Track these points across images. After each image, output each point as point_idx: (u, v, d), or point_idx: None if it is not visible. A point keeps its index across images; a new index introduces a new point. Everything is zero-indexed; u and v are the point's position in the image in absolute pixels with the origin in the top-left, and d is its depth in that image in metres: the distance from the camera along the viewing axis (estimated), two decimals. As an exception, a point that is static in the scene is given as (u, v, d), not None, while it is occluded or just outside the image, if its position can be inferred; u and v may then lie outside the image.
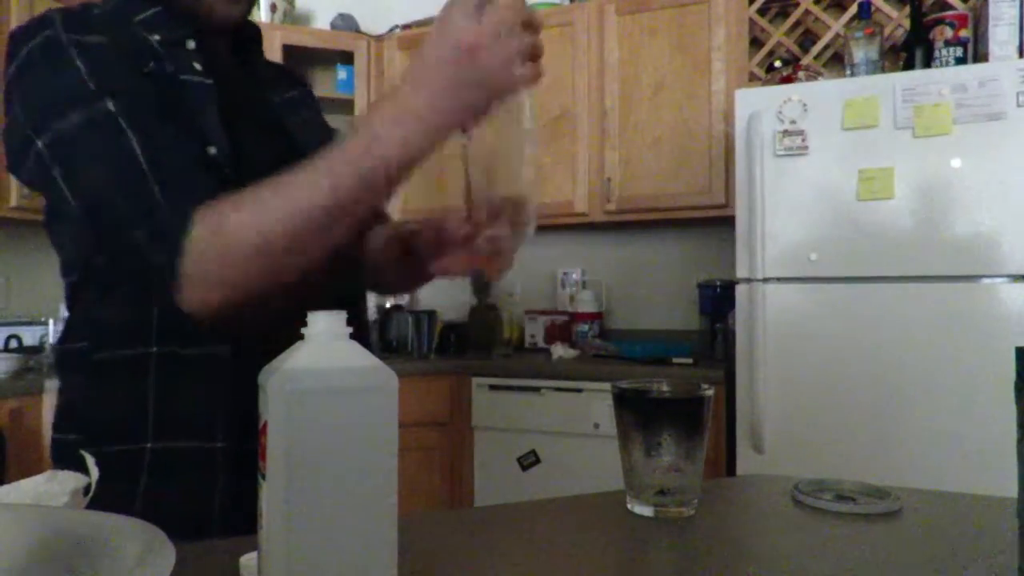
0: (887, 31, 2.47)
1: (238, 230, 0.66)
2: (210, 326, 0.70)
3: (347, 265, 0.99)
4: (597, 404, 2.34)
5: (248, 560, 0.50)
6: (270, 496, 0.42)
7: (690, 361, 2.43)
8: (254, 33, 0.96)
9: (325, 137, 1.01)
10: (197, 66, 0.79)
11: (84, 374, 0.79)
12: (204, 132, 0.76)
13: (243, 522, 0.68)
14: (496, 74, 0.62)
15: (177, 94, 0.76)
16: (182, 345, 0.75)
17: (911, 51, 2.26)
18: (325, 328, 0.45)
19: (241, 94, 0.87)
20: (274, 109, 0.93)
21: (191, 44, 0.80)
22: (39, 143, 0.70)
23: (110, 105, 0.70)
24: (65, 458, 0.77)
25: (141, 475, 0.74)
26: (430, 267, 0.91)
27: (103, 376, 0.77)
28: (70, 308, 0.82)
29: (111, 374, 0.77)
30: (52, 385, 0.88)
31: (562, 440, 2.40)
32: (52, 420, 0.82)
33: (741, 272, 2.11)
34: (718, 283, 2.64)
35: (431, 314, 2.85)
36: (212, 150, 0.75)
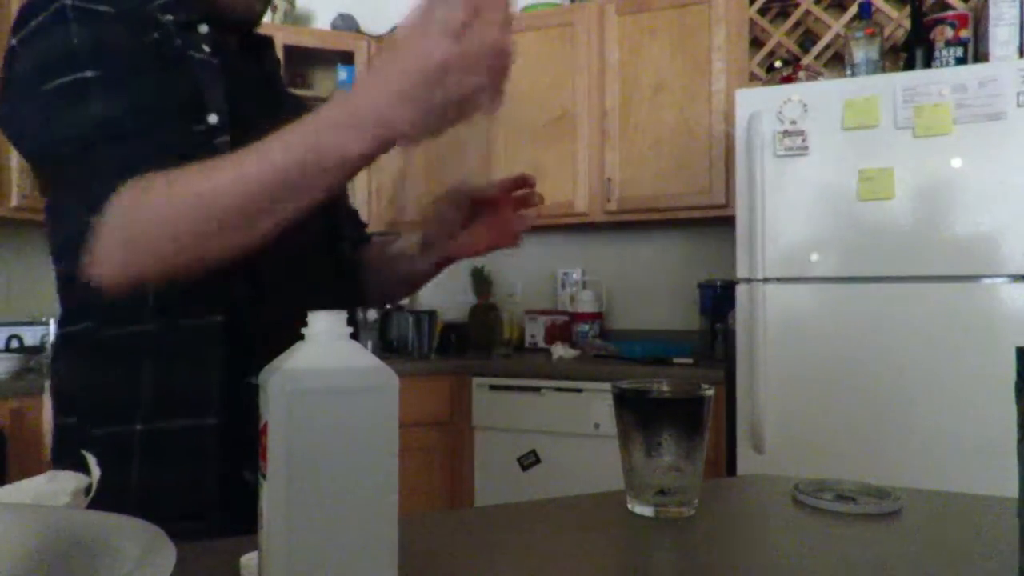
0: (887, 31, 2.47)
1: (153, 199, 0.65)
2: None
3: (349, 268, 1.00)
4: (597, 404, 2.34)
5: (248, 560, 0.50)
6: (270, 496, 0.42)
7: (690, 361, 2.43)
8: (268, 41, 0.98)
9: None
10: (206, 47, 0.80)
11: (86, 355, 0.79)
12: (205, 103, 0.77)
13: (241, 505, 0.67)
14: (461, 100, 0.57)
15: (182, 68, 0.77)
16: (177, 319, 0.76)
17: (911, 51, 2.26)
18: (325, 328, 0.45)
19: (252, 86, 0.89)
20: (287, 106, 0.95)
21: (203, 28, 0.82)
22: (30, 108, 0.72)
23: (89, 73, 0.71)
24: (67, 442, 0.78)
25: (134, 455, 0.75)
26: (449, 251, 0.94)
27: (103, 356, 0.78)
28: (64, 296, 0.83)
29: (111, 353, 0.77)
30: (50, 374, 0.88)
31: (562, 440, 2.40)
32: (53, 406, 0.83)
33: (741, 272, 2.11)
34: (718, 283, 2.64)
35: (431, 314, 2.85)
36: (212, 118, 0.76)
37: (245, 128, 0.84)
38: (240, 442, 0.75)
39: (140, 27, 0.77)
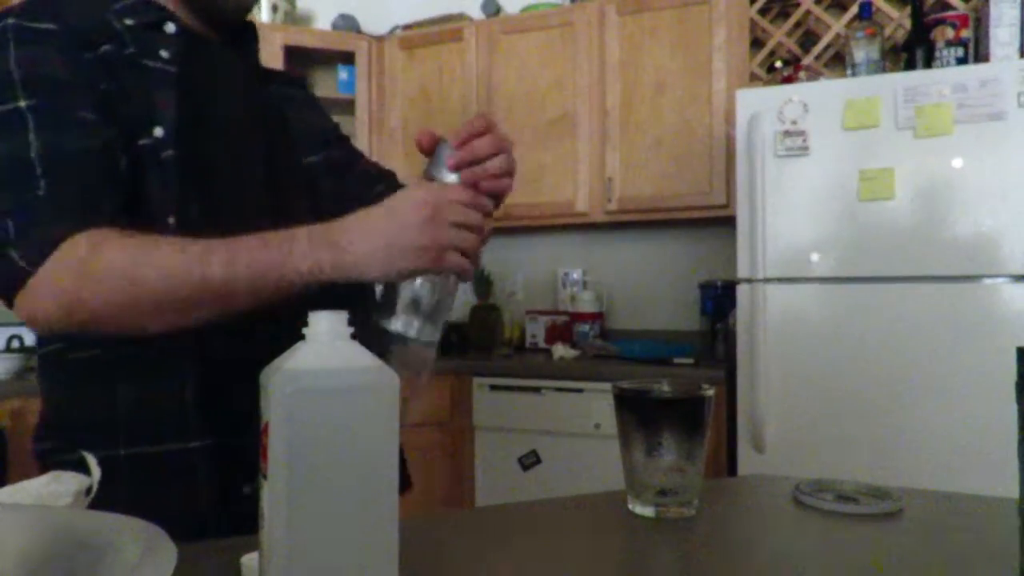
0: (888, 31, 2.46)
1: (111, 263, 0.65)
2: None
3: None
4: (598, 404, 2.34)
5: (249, 560, 0.50)
6: (271, 496, 0.42)
7: (691, 361, 2.43)
8: (253, 30, 0.96)
9: (321, 128, 1.01)
10: (164, 54, 0.77)
11: (60, 377, 0.78)
12: (153, 114, 0.74)
13: (229, 523, 0.66)
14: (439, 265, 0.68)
15: (133, 78, 0.74)
16: (145, 342, 0.73)
17: (912, 51, 2.26)
18: (327, 328, 0.45)
19: (235, 82, 0.87)
20: (271, 100, 0.93)
21: (170, 28, 0.79)
22: None
23: (22, 103, 0.69)
24: (46, 467, 0.74)
25: (121, 482, 0.72)
26: None
27: (77, 378, 0.76)
28: None
29: (84, 375, 0.75)
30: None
31: (563, 440, 2.40)
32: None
33: (742, 272, 2.11)
34: (719, 283, 2.63)
35: (432, 314, 2.85)
36: (158, 131, 0.74)
37: (224, 125, 0.83)
38: (235, 459, 0.73)
39: (88, 40, 0.73)
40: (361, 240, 0.66)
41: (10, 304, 0.68)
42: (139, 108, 0.74)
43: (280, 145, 0.91)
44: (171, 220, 0.73)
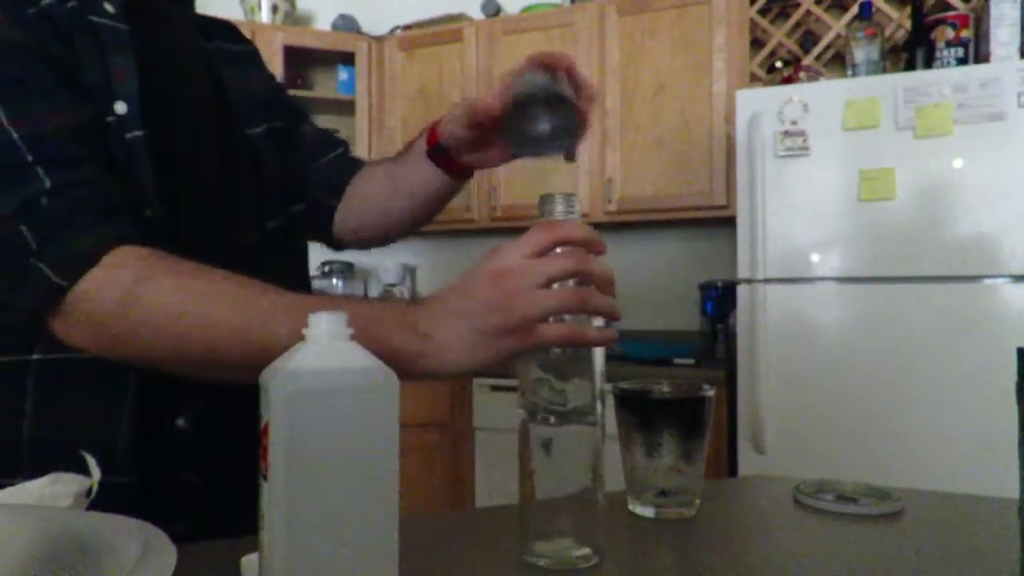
0: (888, 32, 2.47)
1: (158, 308, 0.56)
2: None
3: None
4: (598, 404, 2.33)
5: (249, 560, 0.50)
6: (271, 496, 0.42)
7: (691, 362, 2.43)
8: None
9: (264, 93, 0.89)
10: (109, 7, 0.67)
11: None
12: (112, 85, 0.64)
13: None
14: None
15: (85, 36, 0.64)
16: (64, 347, 0.61)
17: (912, 52, 2.26)
18: (326, 329, 0.45)
19: (172, 39, 0.77)
20: (209, 58, 0.83)
21: None
22: None
23: None
24: None
25: None
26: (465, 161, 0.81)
27: None
28: None
29: None
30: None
31: (563, 440, 2.40)
32: None
33: (742, 273, 2.11)
34: (719, 284, 2.63)
35: (432, 314, 2.85)
36: (120, 107, 0.64)
37: (184, 94, 0.74)
38: (172, 498, 0.65)
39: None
40: (440, 324, 0.55)
41: (42, 324, 0.59)
42: (96, 78, 0.63)
43: (227, 114, 0.80)
44: (148, 213, 0.64)
